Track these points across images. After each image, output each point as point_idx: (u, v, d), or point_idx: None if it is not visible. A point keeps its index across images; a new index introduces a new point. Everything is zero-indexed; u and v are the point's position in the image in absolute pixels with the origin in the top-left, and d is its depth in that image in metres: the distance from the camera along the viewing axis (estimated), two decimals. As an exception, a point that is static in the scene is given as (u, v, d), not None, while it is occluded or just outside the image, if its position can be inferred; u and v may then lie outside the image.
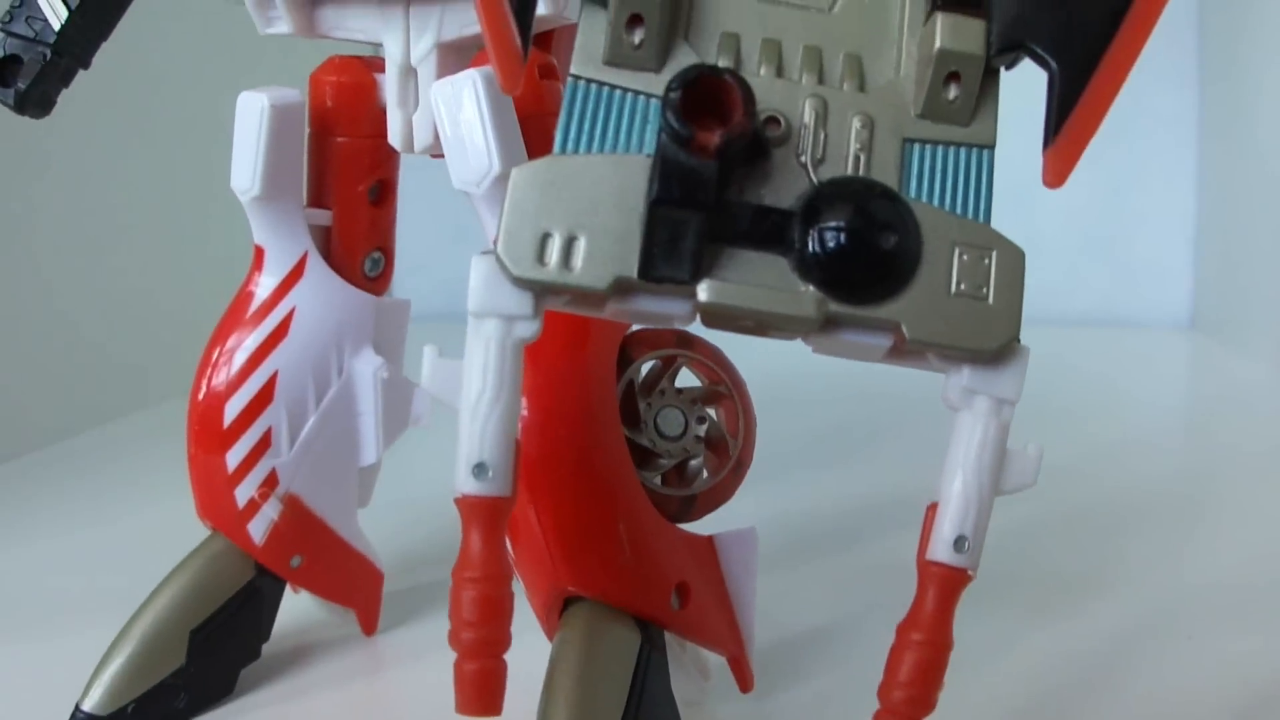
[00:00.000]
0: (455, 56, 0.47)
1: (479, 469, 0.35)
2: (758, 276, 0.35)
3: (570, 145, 0.36)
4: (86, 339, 1.06)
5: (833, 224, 0.34)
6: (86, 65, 0.53)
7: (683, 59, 0.36)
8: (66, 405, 1.03)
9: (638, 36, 0.36)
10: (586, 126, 0.36)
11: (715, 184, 0.34)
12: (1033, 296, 0.37)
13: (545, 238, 0.35)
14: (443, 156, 0.45)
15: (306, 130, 0.49)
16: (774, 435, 0.51)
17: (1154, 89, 1.11)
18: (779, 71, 0.36)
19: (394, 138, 0.48)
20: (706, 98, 0.34)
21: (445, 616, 0.34)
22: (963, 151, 0.37)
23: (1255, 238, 1.16)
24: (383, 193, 0.51)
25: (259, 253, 0.49)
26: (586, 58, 0.36)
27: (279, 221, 0.48)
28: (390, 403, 0.49)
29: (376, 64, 0.49)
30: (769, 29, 0.37)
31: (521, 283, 0.35)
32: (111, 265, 1.10)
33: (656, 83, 0.36)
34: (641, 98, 0.36)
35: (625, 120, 0.36)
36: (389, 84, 0.47)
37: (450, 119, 0.43)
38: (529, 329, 0.35)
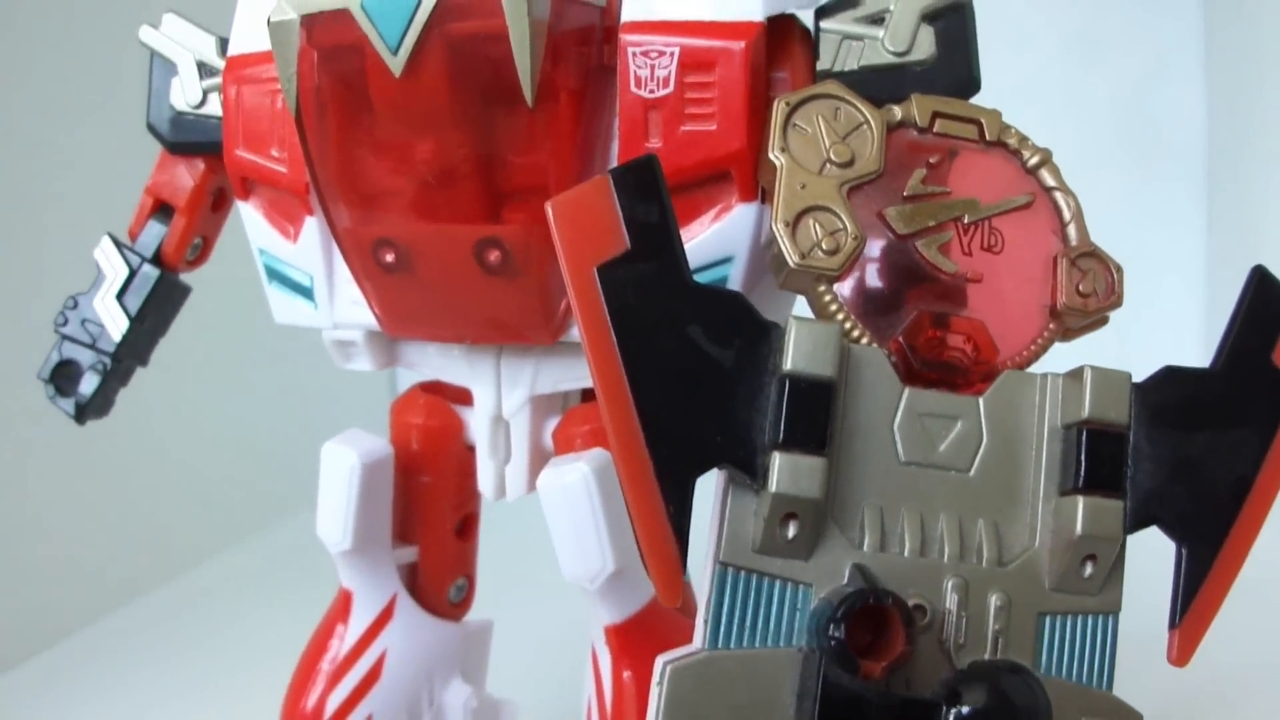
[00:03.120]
0: (548, 404, 0.46)
1: None
2: (905, 769, 0.36)
3: (723, 639, 0.36)
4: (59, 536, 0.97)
5: (972, 715, 0.35)
6: (145, 363, 0.51)
7: (832, 545, 0.37)
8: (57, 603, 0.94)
9: (790, 531, 0.36)
10: (738, 617, 0.37)
11: (875, 704, 0.34)
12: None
13: (703, 739, 0.35)
14: None
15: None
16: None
17: (1162, 234, 1.10)
18: (922, 549, 0.37)
19: (485, 487, 0.47)
20: (865, 614, 0.34)
21: None
22: (1090, 619, 0.38)
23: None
24: (467, 525, 0.50)
25: (347, 597, 0.48)
26: (736, 544, 0.37)
27: (368, 570, 0.47)
28: (478, 726, 0.50)
29: (459, 395, 0.48)
30: (911, 497, 0.37)
31: (681, 784, 0.35)
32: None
33: (805, 571, 0.36)
34: (790, 585, 0.36)
35: (776, 609, 0.37)
36: (479, 433, 0.47)
37: (561, 513, 0.42)
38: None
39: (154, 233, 0.50)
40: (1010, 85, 0.47)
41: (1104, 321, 0.41)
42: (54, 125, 0.90)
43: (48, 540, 0.92)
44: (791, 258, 0.37)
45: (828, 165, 0.39)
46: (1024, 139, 0.41)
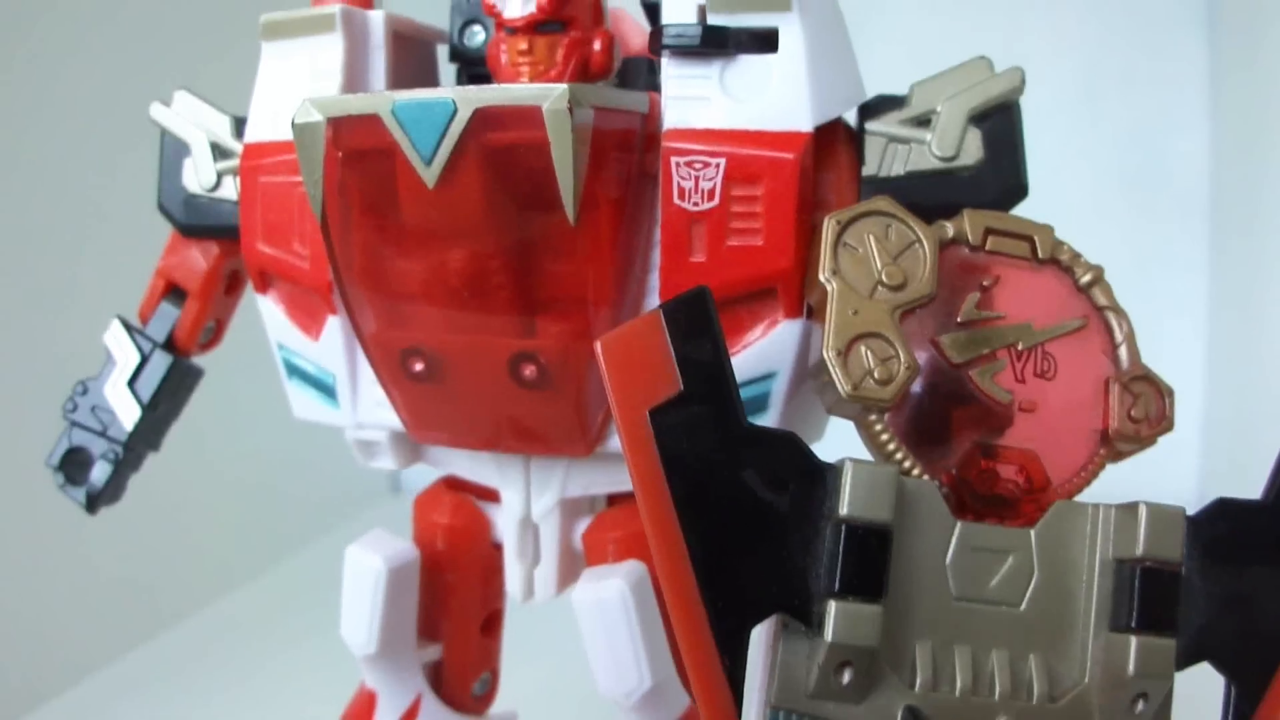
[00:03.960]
0: (577, 506, 0.45)
1: None
2: None
3: (772, 780, 0.35)
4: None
5: None
6: (158, 449, 0.49)
7: (884, 686, 0.36)
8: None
9: (845, 678, 0.35)
10: (787, 762, 0.35)
11: None
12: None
13: None
14: None
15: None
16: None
17: (1165, 277, 1.08)
18: (974, 687, 0.36)
19: (513, 588, 0.46)
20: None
21: None
22: (1136, 750, 0.37)
23: (1264, 430, 1.13)
24: (492, 621, 0.49)
25: (370, 698, 0.47)
26: (789, 688, 0.36)
27: (393, 672, 0.46)
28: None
29: (484, 490, 0.47)
30: (964, 635, 0.37)
31: None
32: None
33: (858, 714, 0.36)
34: (841, 728, 0.36)
35: (825, 754, 0.35)
36: (507, 535, 0.46)
37: (597, 630, 0.42)
38: None
39: (166, 316, 0.48)
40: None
41: (1152, 443, 0.40)
42: (64, 204, 0.86)
43: (62, 578, 0.89)
44: (844, 388, 0.36)
45: (879, 288, 0.38)
46: (1076, 256, 0.40)
